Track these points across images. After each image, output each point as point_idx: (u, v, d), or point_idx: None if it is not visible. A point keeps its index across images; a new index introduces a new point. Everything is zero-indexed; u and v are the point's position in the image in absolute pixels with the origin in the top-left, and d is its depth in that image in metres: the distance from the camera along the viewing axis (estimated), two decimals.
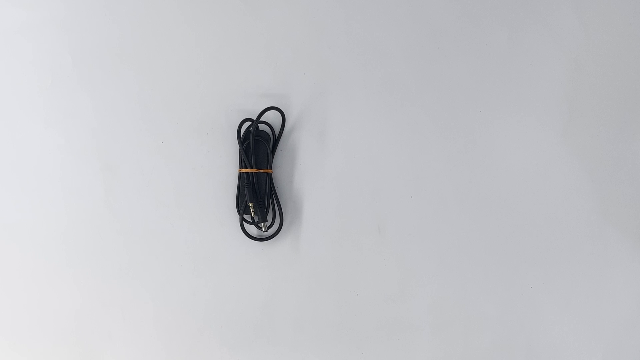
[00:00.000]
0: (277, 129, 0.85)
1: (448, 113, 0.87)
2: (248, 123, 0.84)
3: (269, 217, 0.84)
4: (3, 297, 0.83)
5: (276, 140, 0.85)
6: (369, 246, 0.86)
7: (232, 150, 0.85)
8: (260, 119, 0.83)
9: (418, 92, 0.87)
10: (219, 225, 0.84)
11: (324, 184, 0.86)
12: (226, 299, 0.85)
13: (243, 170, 0.83)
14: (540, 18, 0.88)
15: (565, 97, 0.88)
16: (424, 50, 0.87)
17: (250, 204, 0.82)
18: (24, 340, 0.83)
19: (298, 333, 0.85)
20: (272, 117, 0.85)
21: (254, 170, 0.82)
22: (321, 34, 0.86)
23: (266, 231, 0.84)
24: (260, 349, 0.85)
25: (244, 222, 0.84)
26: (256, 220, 0.84)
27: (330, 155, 0.86)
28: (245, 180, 0.82)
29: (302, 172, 0.86)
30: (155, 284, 0.84)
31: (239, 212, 0.84)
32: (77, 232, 0.83)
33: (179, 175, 0.84)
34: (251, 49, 0.86)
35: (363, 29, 0.87)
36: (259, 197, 0.83)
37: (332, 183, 0.86)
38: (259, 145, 0.84)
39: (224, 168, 0.85)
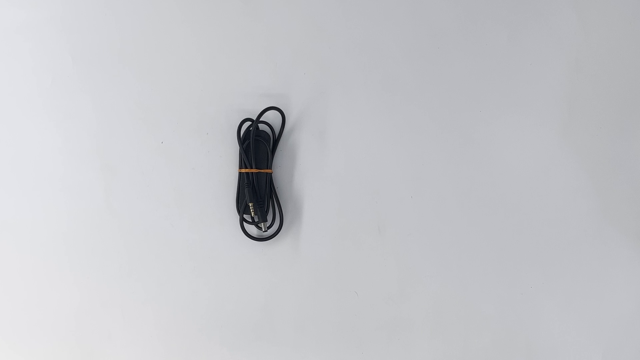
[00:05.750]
0: (277, 129, 0.85)
1: (448, 113, 0.87)
2: (248, 123, 0.84)
3: (269, 217, 0.84)
4: (3, 297, 0.83)
5: (276, 140, 0.85)
6: (369, 246, 0.86)
7: (232, 150, 0.85)
8: (260, 119, 0.83)
9: (418, 92, 0.87)
10: (219, 225, 0.84)
11: (324, 184, 0.86)
12: (226, 299, 0.85)
13: (243, 170, 0.83)
14: (540, 18, 0.88)
15: (565, 97, 0.88)
16: (424, 50, 0.87)
17: (250, 204, 0.82)
18: (23, 340, 0.83)
19: (298, 333, 0.85)
20: (272, 117, 0.85)
21: (254, 170, 0.82)
22: (321, 34, 0.86)
23: (266, 231, 0.84)
24: (260, 349, 0.85)
25: (244, 222, 0.84)
26: (256, 220, 0.84)
27: (330, 155, 0.86)
28: (245, 180, 0.82)
29: (302, 172, 0.86)
30: (155, 284, 0.84)
31: (239, 212, 0.84)
32: (77, 232, 0.83)
33: (179, 176, 0.84)
34: (251, 49, 0.86)
35: (363, 29, 0.87)
36: (259, 197, 0.83)
37: (332, 183, 0.86)
38: (259, 145, 0.84)
39: (224, 168, 0.85)
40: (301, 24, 0.86)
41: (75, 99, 0.84)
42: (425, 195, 0.87)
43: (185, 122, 0.84)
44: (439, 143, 0.87)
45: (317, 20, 0.86)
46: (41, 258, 0.83)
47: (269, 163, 0.83)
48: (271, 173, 0.84)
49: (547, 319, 0.87)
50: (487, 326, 0.87)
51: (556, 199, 0.88)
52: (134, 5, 0.85)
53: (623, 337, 0.88)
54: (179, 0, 0.85)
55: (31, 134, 0.83)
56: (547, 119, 0.88)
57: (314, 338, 0.86)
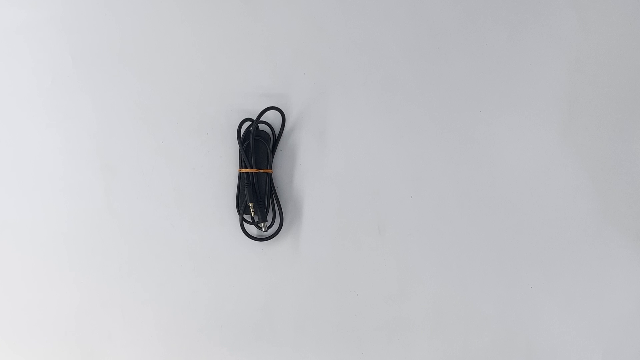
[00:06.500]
0: (277, 129, 0.85)
1: (448, 113, 0.87)
2: (248, 123, 0.84)
3: (269, 217, 0.84)
4: (3, 297, 0.83)
5: (276, 140, 0.85)
6: (369, 246, 0.86)
7: (232, 150, 0.85)
8: (260, 119, 0.83)
9: (418, 92, 0.87)
10: (219, 225, 0.84)
11: (324, 184, 0.86)
12: (226, 299, 0.85)
13: (243, 170, 0.83)
14: (540, 18, 0.88)
15: (565, 97, 0.88)
16: (424, 50, 0.87)
17: (250, 204, 0.82)
18: (23, 340, 0.83)
19: (298, 333, 0.85)
20: (272, 117, 0.85)
21: (254, 170, 0.82)
22: (321, 34, 0.86)
23: (266, 231, 0.84)
24: (260, 349, 0.85)
25: (244, 222, 0.84)
26: (256, 220, 0.84)
27: (330, 155, 0.86)
28: (245, 180, 0.82)
29: (302, 172, 0.86)
30: (155, 284, 0.84)
31: (239, 212, 0.84)
32: (77, 232, 0.83)
33: (179, 176, 0.84)
34: (251, 49, 0.86)
35: (363, 29, 0.87)
36: (259, 197, 0.83)
37: (332, 183, 0.86)
38: (259, 145, 0.84)
39: (224, 168, 0.85)
40: (301, 24, 0.86)
41: (75, 99, 0.84)
42: (425, 195, 0.87)
43: (185, 122, 0.84)
44: (439, 143, 0.87)
45: (317, 20, 0.87)
46: (41, 258, 0.83)
47: (269, 163, 0.83)
48: (271, 173, 0.84)
49: (547, 319, 0.87)
50: (487, 326, 0.87)
51: (556, 199, 0.88)
52: (134, 5, 0.85)
53: (623, 337, 0.88)
54: (179, 0, 0.85)
55: (31, 134, 0.83)
56: (547, 119, 0.88)
57: (314, 338, 0.86)
